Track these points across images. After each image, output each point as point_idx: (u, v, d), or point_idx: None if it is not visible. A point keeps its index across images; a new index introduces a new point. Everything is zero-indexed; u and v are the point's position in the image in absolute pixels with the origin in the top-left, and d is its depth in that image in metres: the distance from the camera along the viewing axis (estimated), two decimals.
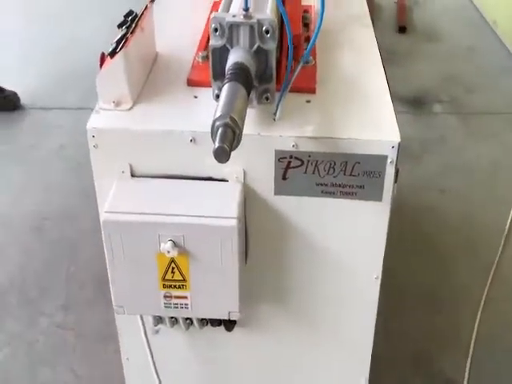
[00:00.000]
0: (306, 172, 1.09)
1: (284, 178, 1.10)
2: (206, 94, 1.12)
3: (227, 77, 0.91)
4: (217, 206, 1.04)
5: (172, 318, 1.21)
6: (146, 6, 1.18)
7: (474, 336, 1.49)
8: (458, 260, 2.17)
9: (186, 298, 1.08)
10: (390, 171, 1.07)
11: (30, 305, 2.01)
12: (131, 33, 1.08)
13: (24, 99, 3.08)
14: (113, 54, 1.05)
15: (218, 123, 0.83)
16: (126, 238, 1.02)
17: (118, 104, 1.09)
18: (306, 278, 1.21)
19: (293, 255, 1.18)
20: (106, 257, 1.05)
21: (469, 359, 1.51)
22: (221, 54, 0.97)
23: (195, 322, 1.20)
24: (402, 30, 3.75)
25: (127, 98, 1.09)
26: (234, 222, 1.01)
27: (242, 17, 0.94)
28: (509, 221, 1.37)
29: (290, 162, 1.09)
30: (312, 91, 1.17)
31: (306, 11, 1.45)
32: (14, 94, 3.04)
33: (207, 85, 1.12)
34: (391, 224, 1.14)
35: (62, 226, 2.31)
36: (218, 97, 1.01)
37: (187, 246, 1.01)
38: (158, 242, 1.01)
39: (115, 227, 1.01)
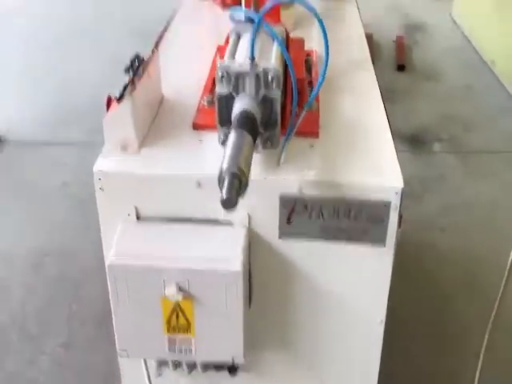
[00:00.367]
0: (310, 216, 1.10)
1: (288, 222, 1.11)
2: (211, 137, 1.14)
3: (234, 125, 0.93)
4: (222, 251, 1.04)
5: (175, 360, 1.20)
6: (153, 51, 1.20)
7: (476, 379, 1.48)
8: (460, 297, 2.17)
9: (190, 341, 1.07)
10: (393, 217, 1.08)
11: (30, 342, 1.99)
12: (138, 78, 1.10)
13: (26, 134, 3.10)
14: (120, 98, 1.07)
15: (225, 172, 0.84)
16: (131, 282, 1.02)
17: (124, 148, 1.11)
18: (309, 322, 1.21)
19: (297, 299, 1.18)
20: (110, 299, 1.05)
21: None
22: (227, 101, 0.99)
23: (198, 365, 1.19)
24: (401, 68, 3.81)
25: (133, 142, 1.11)
26: (238, 267, 1.02)
27: (248, 65, 0.96)
28: (509, 261, 1.37)
29: (294, 206, 1.10)
30: (315, 136, 1.19)
31: (308, 55, 1.47)
32: None
33: (212, 129, 1.14)
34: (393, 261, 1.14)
35: (64, 264, 2.30)
36: (223, 142, 1.03)
37: (192, 291, 1.01)
38: (162, 286, 1.02)
39: (121, 271, 1.01)
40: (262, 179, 1.07)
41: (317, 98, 1.29)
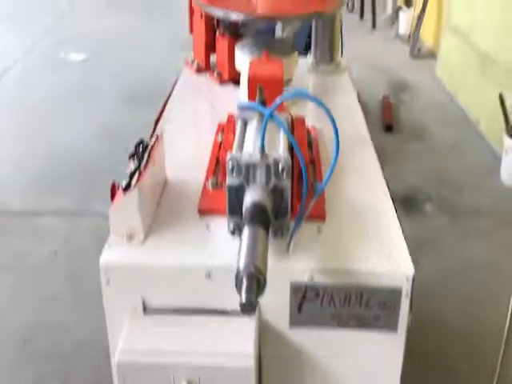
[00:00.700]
0: (321, 304, 1.08)
1: (299, 310, 1.09)
2: (218, 223, 1.13)
3: (247, 218, 0.91)
4: (233, 345, 1.01)
5: None
6: (157, 137, 1.19)
7: None
8: (462, 366, 2.12)
9: None
10: (404, 303, 1.07)
11: None
12: (145, 166, 1.08)
13: (13, 204, 3.05)
14: (126, 188, 1.05)
15: (242, 273, 0.82)
16: (141, 380, 0.98)
17: (130, 238, 1.08)
18: None
19: None
20: None
21: None
22: (237, 191, 0.98)
23: None
24: (389, 128, 3.87)
25: (139, 232, 1.08)
26: (250, 362, 0.98)
27: (258, 157, 0.95)
28: (506, 326, 1.35)
29: (305, 294, 1.08)
30: (322, 219, 1.17)
31: (308, 132, 1.48)
32: None
33: (219, 214, 1.13)
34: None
35: (55, 338, 2.22)
36: (233, 231, 1.01)
37: None
38: (172, 383, 0.97)
39: (129, 369, 0.97)
40: (272, 268, 1.04)
41: (320, 178, 1.29)
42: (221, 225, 1.14)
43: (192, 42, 1.81)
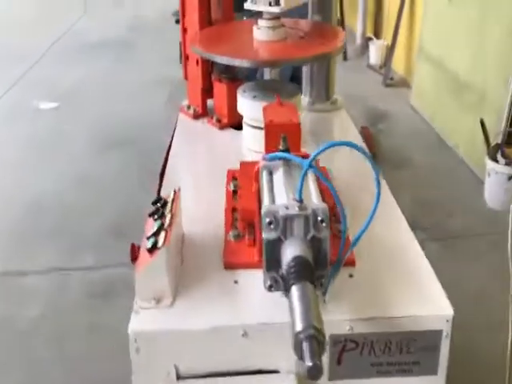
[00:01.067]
0: (361, 354, 1.06)
1: (339, 362, 1.05)
2: (246, 277, 1.09)
3: (292, 275, 0.86)
4: None
5: None
6: (175, 192, 1.14)
7: None
8: None
9: None
10: (445, 345, 1.06)
11: None
12: (169, 225, 1.03)
13: None
14: (152, 249, 0.99)
15: (301, 337, 0.77)
16: None
17: (158, 301, 1.02)
18: None
19: None
20: None
21: None
22: (274, 245, 0.93)
23: None
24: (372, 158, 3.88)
25: (168, 294, 1.02)
26: None
27: (296, 208, 0.92)
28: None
29: (345, 346, 1.04)
30: (353, 264, 1.14)
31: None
32: None
33: (247, 267, 1.10)
34: None
35: None
36: (270, 288, 0.96)
37: None
38: None
39: None
40: None
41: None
42: (249, 278, 1.10)
43: (187, 87, 1.78)
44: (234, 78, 1.63)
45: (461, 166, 3.83)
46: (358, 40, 5.67)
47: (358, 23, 5.64)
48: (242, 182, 1.28)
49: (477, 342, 2.34)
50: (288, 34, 1.43)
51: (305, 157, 1.10)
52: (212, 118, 1.71)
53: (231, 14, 1.64)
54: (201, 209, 1.33)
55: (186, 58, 1.71)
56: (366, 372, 1.06)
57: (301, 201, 0.92)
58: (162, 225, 1.04)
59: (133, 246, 1.09)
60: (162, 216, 1.07)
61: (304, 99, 1.69)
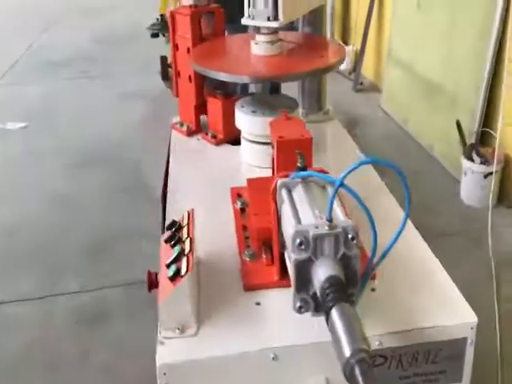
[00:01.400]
0: (389, 368, 1.06)
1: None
2: (268, 298, 1.08)
3: (330, 297, 0.84)
4: None
5: None
6: (189, 214, 1.11)
7: None
8: None
9: None
10: (469, 352, 1.07)
11: None
12: (190, 251, 1.00)
13: None
14: (175, 277, 0.96)
15: (352, 362, 0.75)
16: None
17: (182, 330, 0.98)
18: None
19: None
20: None
21: None
22: (305, 266, 0.91)
23: None
24: None
25: (192, 322, 0.99)
26: None
27: (326, 227, 0.90)
28: None
29: (374, 361, 1.03)
30: (373, 277, 1.13)
31: None
32: None
33: (267, 287, 1.08)
34: None
35: None
36: (299, 309, 0.94)
37: None
38: None
39: None
40: None
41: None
42: (271, 299, 1.08)
43: (178, 104, 1.74)
44: (228, 93, 1.61)
45: (436, 166, 3.89)
46: None
47: (325, 29, 5.67)
48: (252, 199, 1.26)
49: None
50: (286, 47, 1.42)
51: (323, 172, 1.09)
52: (206, 134, 1.68)
53: (222, 29, 1.62)
54: (210, 229, 1.29)
55: (177, 74, 1.68)
56: None
57: (330, 220, 0.90)
58: (182, 250, 1.01)
59: (149, 273, 1.05)
60: (180, 241, 1.04)
61: (297, 111, 1.68)
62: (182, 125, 1.73)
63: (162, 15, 3.76)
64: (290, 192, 1.05)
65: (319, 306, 0.93)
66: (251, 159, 1.54)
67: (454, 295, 1.12)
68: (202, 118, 1.74)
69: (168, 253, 1.04)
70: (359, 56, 4.87)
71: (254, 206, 1.21)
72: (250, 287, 1.10)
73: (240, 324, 1.02)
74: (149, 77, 5.39)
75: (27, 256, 3.03)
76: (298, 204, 1.00)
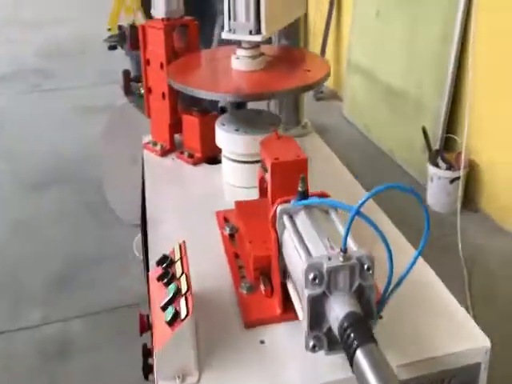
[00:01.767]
0: None
1: None
2: (272, 334, 0.99)
3: (352, 337, 0.77)
4: None
5: None
6: (181, 247, 1.02)
7: None
8: None
9: None
10: (483, 377, 1.03)
11: None
12: (188, 290, 0.90)
13: None
14: (173, 321, 0.86)
15: None
16: None
17: (183, 379, 0.89)
18: None
19: None
20: None
21: None
22: (318, 302, 0.83)
23: None
24: None
25: (193, 370, 0.90)
26: None
27: (340, 259, 0.82)
28: None
29: None
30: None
31: None
32: None
33: (269, 322, 1.00)
34: None
35: None
36: (313, 348, 0.86)
37: None
38: None
39: None
40: None
41: None
42: (276, 336, 1.00)
43: (150, 123, 1.64)
44: (205, 109, 1.52)
45: (400, 172, 3.89)
46: None
47: (302, 41, 5.64)
48: (243, 225, 1.17)
49: None
50: (267, 61, 1.34)
51: (323, 196, 1.02)
52: (182, 153, 1.58)
53: (197, 42, 1.53)
54: (198, 259, 1.18)
55: (149, 91, 1.58)
56: None
57: (345, 250, 0.83)
58: (179, 289, 0.91)
59: (141, 316, 0.95)
60: (173, 278, 0.95)
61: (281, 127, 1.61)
62: (155, 144, 1.63)
63: (120, 27, 3.62)
64: (291, 218, 0.97)
65: (334, 344, 0.86)
66: (234, 179, 1.45)
67: (464, 320, 1.06)
68: (176, 136, 1.64)
69: (161, 292, 0.94)
70: None
71: (247, 233, 1.12)
72: (251, 324, 1.01)
73: (245, 367, 0.93)
74: (105, 89, 5.26)
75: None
76: (304, 232, 0.92)
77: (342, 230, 0.93)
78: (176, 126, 1.59)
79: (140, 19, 6.08)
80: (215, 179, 1.50)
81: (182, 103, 1.57)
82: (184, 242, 1.03)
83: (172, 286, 0.92)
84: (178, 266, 0.97)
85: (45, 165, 4.02)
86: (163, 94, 1.53)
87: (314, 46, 5.09)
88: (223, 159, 1.46)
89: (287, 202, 0.99)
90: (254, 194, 1.30)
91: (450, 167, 3.42)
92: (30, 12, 8.40)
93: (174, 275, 0.96)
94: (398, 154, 3.96)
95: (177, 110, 1.56)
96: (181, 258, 0.99)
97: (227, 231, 1.24)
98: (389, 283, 0.90)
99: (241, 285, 1.08)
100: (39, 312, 2.65)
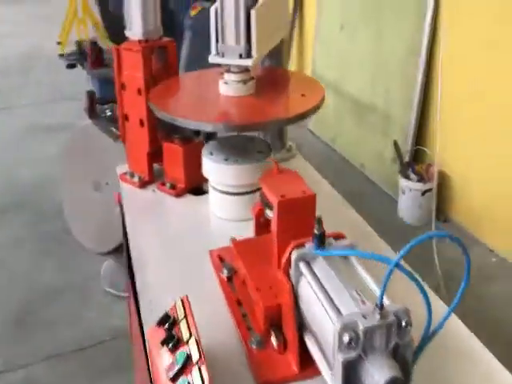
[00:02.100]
0: None
1: None
2: None
3: None
4: None
5: None
6: (183, 302, 0.90)
7: None
8: None
9: None
10: None
11: None
12: (201, 357, 0.78)
13: None
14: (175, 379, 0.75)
15: None
16: None
17: None
18: None
19: None
20: None
21: None
22: (353, 366, 0.73)
23: None
24: None
25: None
26: None
27: (377, 316, 0.72)
28: None
29: None
30: None
31: None
32: None
33: (287, 381, 0.91)
34: None
35: None
36: None
37: None
38: None
39: None
40: None
41: None
42: None
43: (126, 152, 1.51)
44: (187, 137, 1.41)
45: (369, 185, 3.86)
46: None
47: (287, 61, 5.56)
48: (244, 267, 1.06)
49: None
50: (257, 85, 1.24)
51: (339, 237, 0.92)
52: (163, 184, 1.46)
53: (176, 65, 1.42)
54: (194, 307, 1.07)
55: (125, 118, 1.45)
56: None
57: (381, 307, 0.73)
58: (188, 357, 0.79)
59: None
60: (180, 342, 0.83)
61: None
62: (132, 175, 1.50)
63: (79, 43, 3.46)
64: (309, 265, 0.87)
65: None
66: (222, 212, 1.34)
67: (497, 370, 0.97)
68: (154, 165, 1.52)
69: (166, 359, 0.82)
70: None
71: (252, 279, 1.01)
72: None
73: None
74: (59, 107, 5.03)
75: None
76: (326, 283, 0.82)
77: (366, 277, 0.84)
78: (155, 155, 1.47)
79: (92, 34, 5.88)
80: (201, 211, 1.39)
81: (161, 130, 1.46)
82: (187, 297, 0.91)
83: (181, 353, 0.80)
84: (183, 326, 0.86)
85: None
86: (141, 121, 1.40)
87: None
88: (210, 190, 1.35)
89: (301, 245, 0.89)
90: (244, 227, 1.20)
91: (420, 179, 3.40)
92: None
93: (179, 339, 0.84)
94: (367, 166, 3.92)
95: (156, 137, 1.44)
96: (185, 317, 0.87)
97: (225, 274, 1.13)
98: (425, 338, 0.80)
99: (250, 339, 0.97)
100: None
